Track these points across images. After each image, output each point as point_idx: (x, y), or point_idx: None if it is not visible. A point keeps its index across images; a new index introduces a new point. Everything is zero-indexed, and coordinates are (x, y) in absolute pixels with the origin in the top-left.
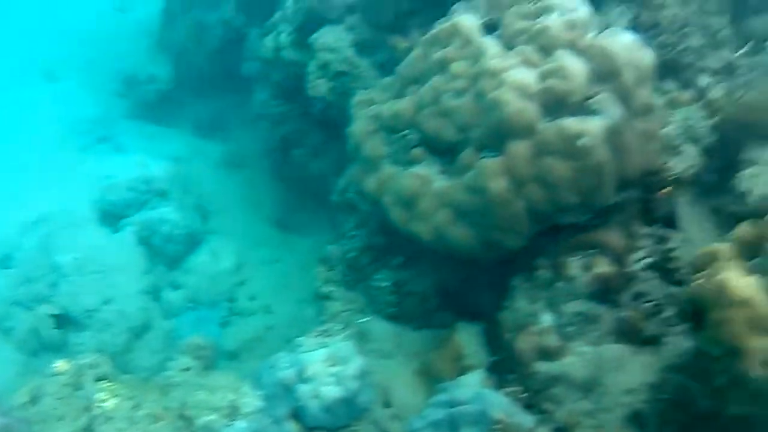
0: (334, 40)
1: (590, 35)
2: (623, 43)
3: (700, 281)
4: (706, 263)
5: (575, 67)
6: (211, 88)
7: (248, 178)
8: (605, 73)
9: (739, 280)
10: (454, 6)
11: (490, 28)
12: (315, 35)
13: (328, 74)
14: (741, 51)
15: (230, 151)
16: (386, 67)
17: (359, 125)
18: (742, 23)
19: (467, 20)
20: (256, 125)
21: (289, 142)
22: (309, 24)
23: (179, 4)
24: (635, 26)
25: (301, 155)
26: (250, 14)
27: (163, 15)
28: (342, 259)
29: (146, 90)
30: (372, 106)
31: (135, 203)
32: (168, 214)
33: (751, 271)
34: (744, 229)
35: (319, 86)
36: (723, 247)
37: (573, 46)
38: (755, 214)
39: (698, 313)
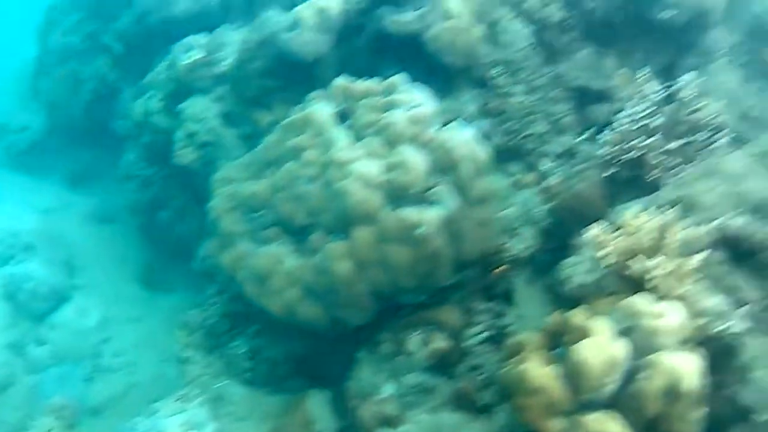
0: (202, 110)
1: (432, 130)
2: (462, 138)
3: (507, 369)
4: (516, 351)
5: (416, 160)
6: (84, 140)
7: (117, 234)
8: (444, 166)
9: (537, 370)
10: (313, 93)
11: (343, 116)
12: (183, 104)
13: (195, 144)
14: (581, 137)
15: (100, 206)
16: (251, 139)
17: (218, 202)
18: (584, 110)
19: (321, 110)
20: (126, 183)
21: (156, 204)
22: (178, 92)
23: (55, 53)
24: (484, 112)
25: (167, 217)
26: (126, 71)
27: (37, 62)
28: (202, 324)
29: (18, 139)
30: (231, 184)
31: (1, 257)
32: (34, 270)
33: (551, 361)
34: (552, 320)
35: (185, 155)
36: (531, 337)
37: (416, 140)
38: (573, 302)
39: (507, 395)
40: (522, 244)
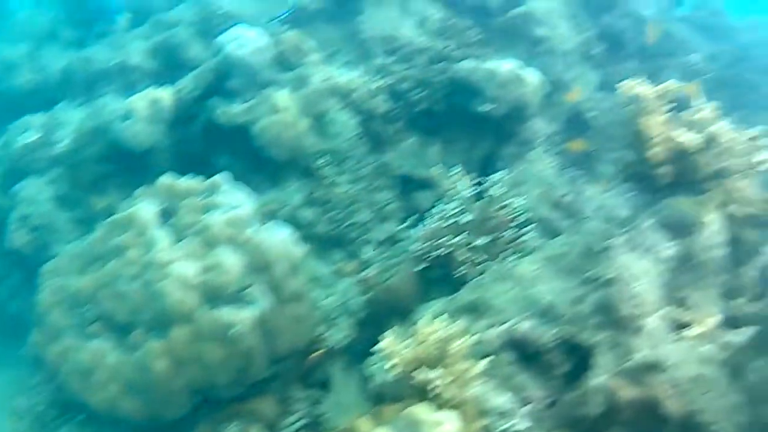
0: (36, 192)
1: (249, 231)
2: (277, 239)
3: None
4: None
5: (232, 262)
6: None
7: None
8: (259, 266)
9: None
10: (138, 190)
11: (166, 215)
12: (18, 185)
13: (27, 227)
14: (403, 225)
15: None
16: (85, 224)
17: (45, 295)
18: (408, 198)
19: (144, 210)
20: None
21: None
22: (13, 172)
23: None
24: (310, 201)
25: (1, 295)
26: None
27: None
28: (30, 410)
29: None
30: (59, 277)
31: None
32: None
33: None
34: (344, 425)
35: (17, 238)
36: None
37: (233, 242)
38: (376, 398)
39: None
40: (340, 333)
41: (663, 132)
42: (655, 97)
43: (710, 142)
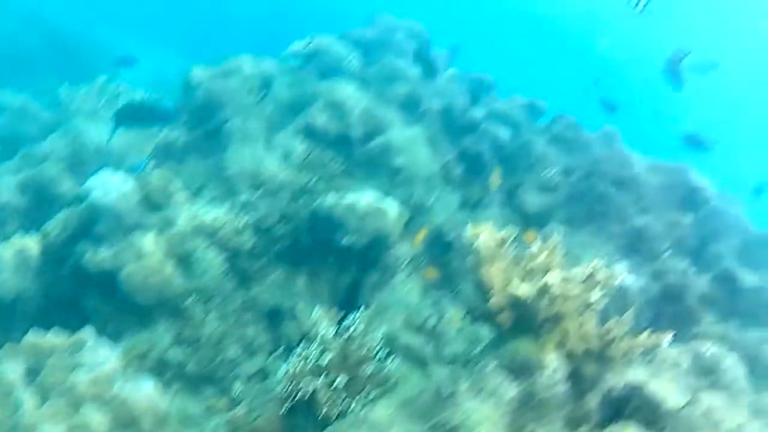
0: None
1: (114, 387)
2: (142, 393)
3: None
4: None
5: (98, 420)
6: None
7: None
8: (126, 421)
9: None
10: (3, 348)
11: (32, 374)
12: None
13: None
14: (271, 357)
15: None
16: None
17: None
18: (277, 329)
19: (9, 371)
20: None
21: None
22: None
23: None
24: (179, 341)
25: None
26: None
27: None
28: None
29: None
30: None
31: None
32: None
33: None
34: None
35: None
36: None
37: (98, 399)
38: None
39: None
40: None
41: (501, 281)
42: (495, 245)
43: (544, 291)
